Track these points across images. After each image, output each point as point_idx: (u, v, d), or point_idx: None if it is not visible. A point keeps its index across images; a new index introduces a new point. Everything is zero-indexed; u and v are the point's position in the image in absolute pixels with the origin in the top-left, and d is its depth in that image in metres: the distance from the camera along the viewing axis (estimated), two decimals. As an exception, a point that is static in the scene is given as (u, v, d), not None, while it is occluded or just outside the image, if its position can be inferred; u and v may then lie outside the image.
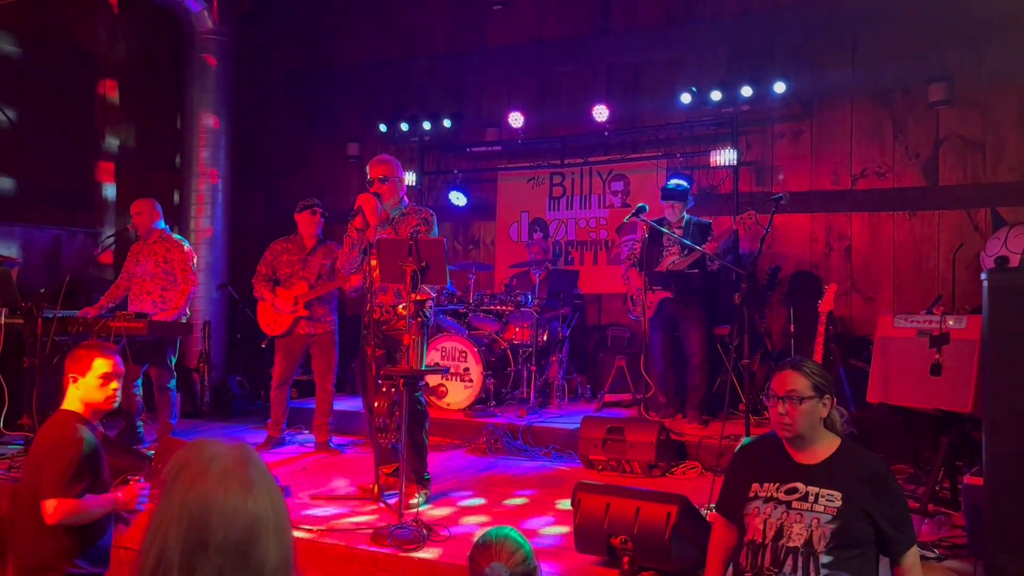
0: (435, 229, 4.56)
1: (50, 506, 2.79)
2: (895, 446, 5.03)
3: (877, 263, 6.72)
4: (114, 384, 3.04)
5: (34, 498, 2.79)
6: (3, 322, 5.48)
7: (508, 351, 6.69)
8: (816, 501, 2.39)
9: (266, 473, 1.27)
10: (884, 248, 6.70)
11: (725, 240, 6.46)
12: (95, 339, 3.14)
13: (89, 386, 2.98)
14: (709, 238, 5.99)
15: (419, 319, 4.20)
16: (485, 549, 2.00)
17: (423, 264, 3.96)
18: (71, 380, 3.00)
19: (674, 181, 6.55)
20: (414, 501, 4.23)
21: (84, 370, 2.98)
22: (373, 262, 4.28)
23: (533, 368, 6.48)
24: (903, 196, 6.63)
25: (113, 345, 3.15)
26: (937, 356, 4.19)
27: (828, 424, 2.52)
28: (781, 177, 7.08)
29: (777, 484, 2.48)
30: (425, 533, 3.71)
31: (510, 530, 2.04)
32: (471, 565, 2.00)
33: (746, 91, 6.72)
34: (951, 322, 4.29)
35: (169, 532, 1.17)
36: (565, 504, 4.07)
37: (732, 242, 6.75)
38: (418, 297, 4.13)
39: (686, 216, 6.17)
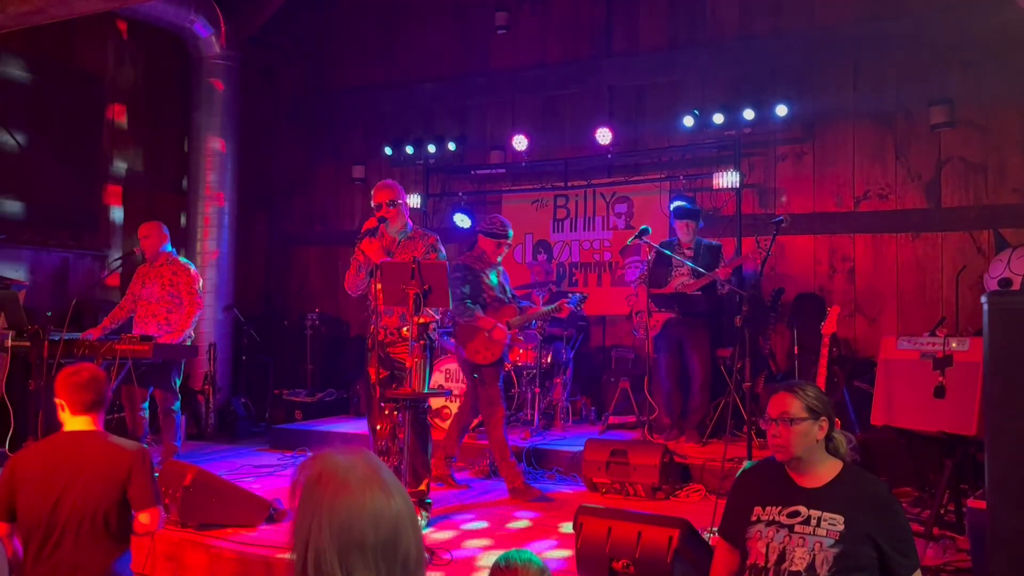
0: (442, 253, 4.59)
1: (149, 517, 2.83)
2: (899, 469, 5.00)
3: (881, 285, 6.72)
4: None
5: (92, 512, 2.76)
6: (10, 345, 5.51)
7: (512, 373, 6.69)
8: (819, 525, 2.39)
9: (394, 476, 1.42)
10: (887, 270, 6.71)
11: (750, 272, 6.45)
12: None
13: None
14: (721, 262, 6.01)
15: (422, 341, 4.22)
16: (508, 570, 1.99)
17: (426, 287, 3.98)
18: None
19: (677, 203, 6.59)
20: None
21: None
22: (378, 285, 4.31)
23: (537, 390, 6.48)
24: (906, 218, 6.65)
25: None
26: (941, 378, 4.18)
27: (831, 448, 2.52)
28: (784, 199, 7.11)
29: (779, 507, 2.48)
30: (427, 557, 3.70)
31: (531, 554, 2.04)
32: None
33: (748, 114, 6.76)
34: (954, 344, 4.29)
35: (322, 539, 1.30)
36: (568, 527, 4.06)
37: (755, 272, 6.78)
38: (421, 320, 4.15)
39: (696, 238, 6.20)
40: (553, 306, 5.43)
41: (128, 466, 2.82)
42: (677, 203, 6.74)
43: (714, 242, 6.32)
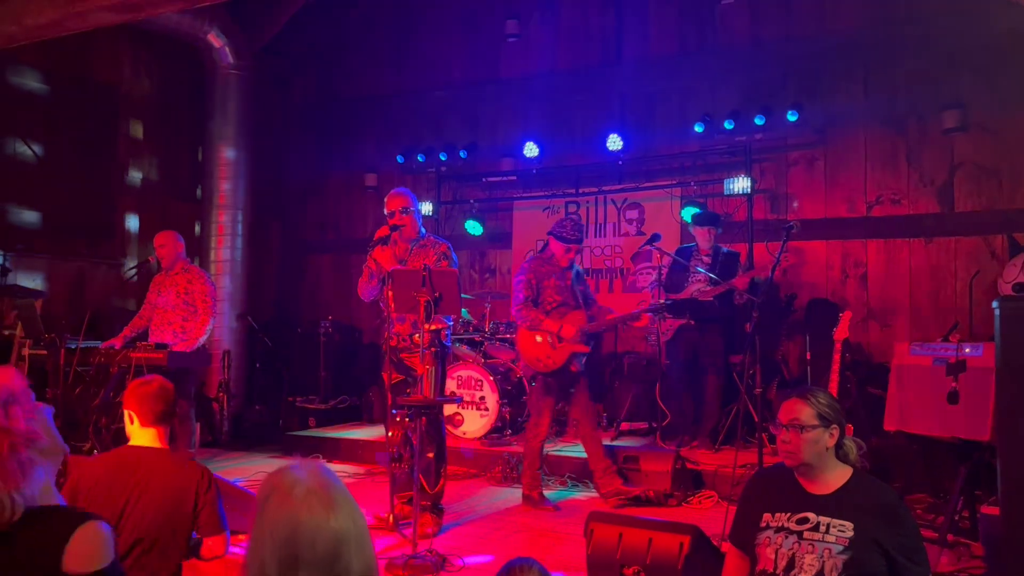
0: (454, 261, 4.62)
1: (222, 543, 2.80)
2: (913, 475, 4.98)
3: (893, 290, 6.69)
4: None
5: (155, 535, 2.68)
6: (27, 353, 5.59)
7: (524, 380, 6.69)
8: (828, 531, 2.39)
9: (346, 492, 1.40)
10: (900, 275, 6.68)
11: (762, 279, 6.35)
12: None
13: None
14: (739, 270, 6.00)
15: (434, 348, 4.24)
16: None
17: (437, 295, 4.01)
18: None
19: (695, 210, 6.59)
20: (429, 531, 4.24)
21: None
22: (390, 292, 4.34)
23: (549, 396, 6.47)
24: (919, 223, 6.62)
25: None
26: (954, 384, 4.17)
27: (841, 455, 2.52)
28: (795, 204, 7.10)
29: (788, 514, 2.48)
30: (440, 563, 3.72)
31: (533, 561, 2.05)
32: None
33: (759, 120, 6.76)
34: (968, 349, 4.27)
35: (265, 552, 1.31)
36: (580, 533, 4.07)
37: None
38: (433, 327, 4.17)
39: (715, 245, 6.20)
40: (632, 313, 5.14)
41: (195, 490, 2.75)
42: (696, 210, 6.75)
43: (732, 250, 6.31)
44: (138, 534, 2.64)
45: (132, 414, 2.83)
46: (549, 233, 5.17)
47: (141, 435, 2.84)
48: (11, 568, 1.62)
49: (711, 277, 5.89)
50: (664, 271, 6.28)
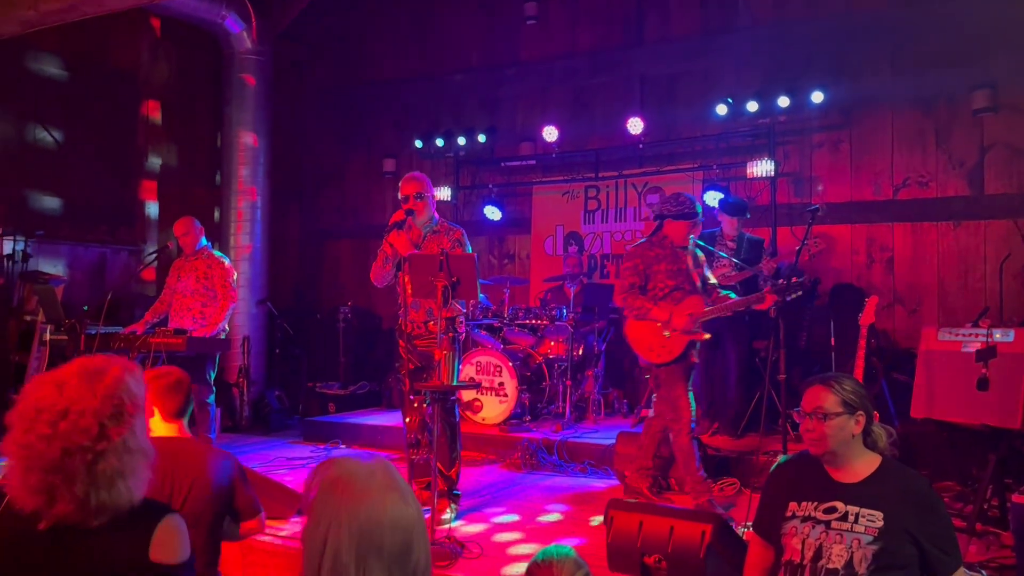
0: (468, 248, 4.56)
1: (258, 524, 2.82)
2: (941, 463, 4.88)
3: (921, 275, 6.56)
4: None
5: (194, 523, 2.59)
6: (48, 338, 5.61)
7: (543, 365, 6.65)
8: (856, 521, 2.32)
9: (407, 484, 1.46)
10: (928, 259, 6.55)
11: (785, 264, 6.22)
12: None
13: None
14: (764, 256, 5.91)
15: (451, 334, 4.19)
16: (546, 566, 1.97)
17: (454, 279, 3.96)
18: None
19: (721, 196, 6.49)
20: (445, 516, 4.21)
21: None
22: (406, 278, 4.30)
23: (568, 383, 6.44)
24: (947, 206, 6.47)
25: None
26: (984, 370, 4.08)
27: (870, 442, 2.45)
28: (820, 188, 6.97)
29: (815, 503, 2.41)
30: (458, 550, 3.69)
31: (570, 550, 2.02)
32: None
33: (783, 101, 6.63)
34: (998, 335, 4.17)
35: (341, 542, 1.33)
36: (599, 521, 4.03)
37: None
38: (448, 314, 4.11)
39: (740, 231, 6.11)
40: (754, 297, 4.50)
41: (231, 476, 2.74)
42: (719, 194, 6.65)
43: (757, 236, 6.22)
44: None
45: (154, 408, 2.78)
46: (662, 215, 4.64)
47: (164, 428, 2.80)
48: (96, 556, 1.65)
49: (735, 263, 5.79)
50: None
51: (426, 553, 1.42)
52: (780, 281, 4.39)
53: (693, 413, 4.46)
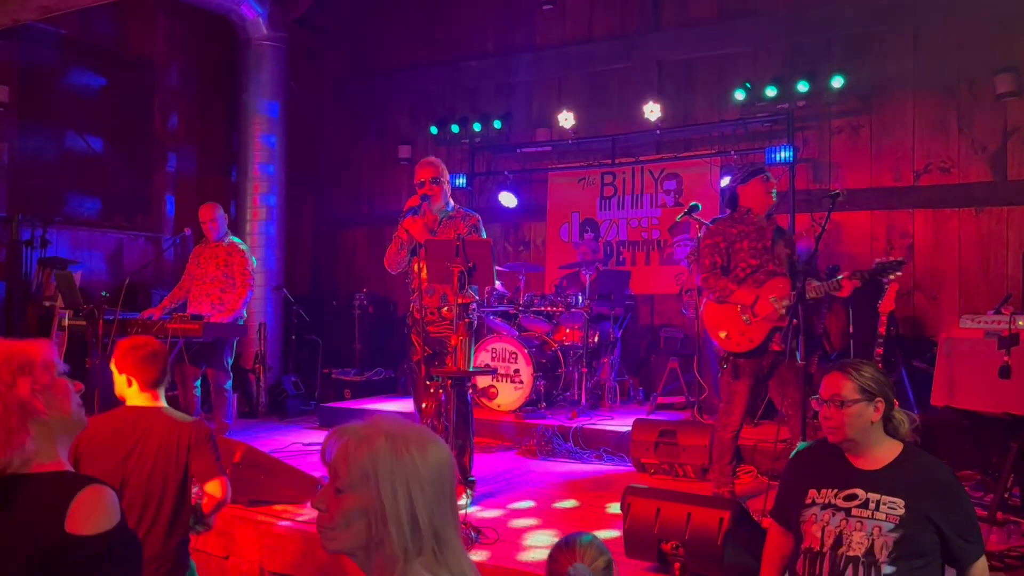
0: (484, 234, 4.54)
1: (219, 486, 2.81)
2: (961, 451, 4.83)
3: (941, 261, 6.49)
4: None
5: (160, 492, 2.73)
6: (67, 324, 5.65)
7: (559, 352, 6.64)
8: (877, 509, 2.30)
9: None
10: (949, 246, 6.47)
11: (803, 249, 6.14)
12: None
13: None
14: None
15: (467, 319, 4.18)
16: (568, 550, 1.97)
17: (470, 265, 3.94)
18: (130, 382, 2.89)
19: (728, 177, 6.42)
20: (461, 502, 4.20)
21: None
22: (420, 264, 4.28)
23: (584, 369, 6.42)
24: (969, 192, 6.39)
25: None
26: (1006, 358, 4.01)
27: (890, 429, 2.42)
28: (839, 174, 6.89)
29: (835, 490, 2.39)
30: (474, 536, 3.69)
31: (593, 536, 2.02)
32: (551, 565, 1.98)
33: (802, 86, 6.56)
34: (1021, 322, 4.10)
35: (421, 494, 1.35)
36: (615, 508, 4.02)
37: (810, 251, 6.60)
38: (461, 300, 4.10)
39: None
40: (832, 281, 4.04)
41: (188, 441, 2.78)
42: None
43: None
44: (143, 495, 2.70)
45: (131, 378, 2.84)
46: (733, 186, 4.31)
47: (140, 398, 2.86)
48: (11, 529, 1.63)
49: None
50: (698, 244, 6.13)
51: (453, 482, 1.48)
52: (858, 270, 4.03)
53: (743, 418, 4.24)
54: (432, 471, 1.37)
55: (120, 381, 2.88)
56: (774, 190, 4.24)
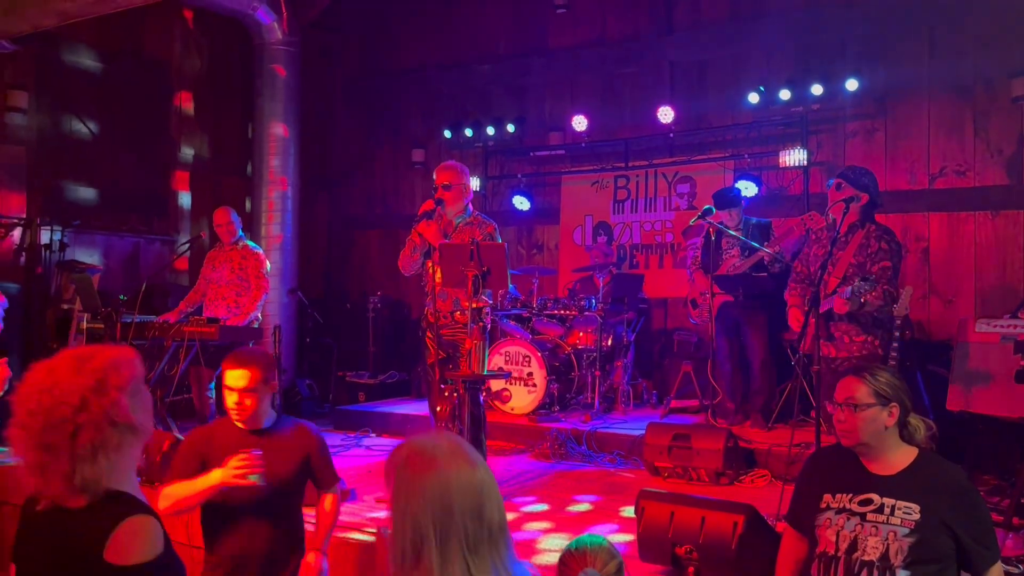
0: (499, 241, 4.55)
1: (334, 498, 3.13)
2: (977, 456, 4.81)
3: (957, 265, 6.45)
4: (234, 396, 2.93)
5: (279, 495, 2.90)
6: (85, 327, 5.71)
7: (572, 356, 6.64)
8: (892, 514, 2.30)
9: (475, 450, 1.59)
10: (964, 249, 6.43)
11: (795, 241, 6.20)
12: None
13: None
14: (772, 238, 5.85)
15: (481, 323, 4.20)
16: (579, 555, 1.98)
17: (484, 269, 3.96)
18: None
19: (743, 181, 6.41)
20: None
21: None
22: (434, 267, 4.30)
23: (597, 373, 6.42)
24: (985, 195, 6.34)
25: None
26: (1023, 363, 3.99)
27: (906, 434, 2.42)
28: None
29: (850, 495, 2.39)
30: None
31: (604, 539, 2.03)
32: (562, 569, 1.99)
33: (816, 89, 6.54)
34: (1038, 326, 4.09)
35: (419, 511, 1.46)
36: (629, 512, 4.02)
37: (802, 243, 6.57)
38: (475, 304, 4.12)
39: (744, 217, 6.04)
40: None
41: (313, 446, 3.02)
42: (751, 183, 6.58)
43: (763, 220, 6.14)
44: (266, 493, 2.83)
45: None
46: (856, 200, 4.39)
47: None
48: (51, 555, 1.63)
49: (742, 245, 5.75)
50: (698, 252, 6.14)
51: (500, 512, 1.52)
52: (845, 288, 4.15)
53: None
54: (433, 490, 1.48)
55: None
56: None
